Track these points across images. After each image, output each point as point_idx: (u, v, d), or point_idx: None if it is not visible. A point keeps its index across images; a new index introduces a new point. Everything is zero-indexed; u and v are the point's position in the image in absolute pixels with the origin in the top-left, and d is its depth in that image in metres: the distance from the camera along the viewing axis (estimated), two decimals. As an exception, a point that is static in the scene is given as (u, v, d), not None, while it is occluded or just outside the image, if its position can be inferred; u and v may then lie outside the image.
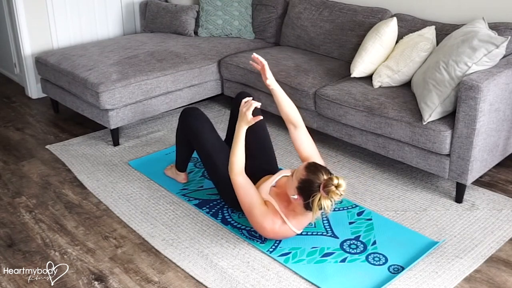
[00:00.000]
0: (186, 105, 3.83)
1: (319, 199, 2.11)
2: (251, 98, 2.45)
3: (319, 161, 2.42)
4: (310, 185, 2.13)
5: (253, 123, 2.37)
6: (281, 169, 2.96)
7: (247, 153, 2.69)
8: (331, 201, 2.11)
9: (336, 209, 2.65)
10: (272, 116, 3.58)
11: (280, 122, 3.58)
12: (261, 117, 2.39)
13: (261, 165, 2.60)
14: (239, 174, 2.33)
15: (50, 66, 3.61)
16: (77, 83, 3.37)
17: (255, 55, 2.52)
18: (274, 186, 2.41)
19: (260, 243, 2.41)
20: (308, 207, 2.18)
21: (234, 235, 2.48)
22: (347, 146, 3.36)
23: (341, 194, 2.10)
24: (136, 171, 3.07)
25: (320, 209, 2.13)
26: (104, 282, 2.21)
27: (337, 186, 2.08)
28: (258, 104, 2.36)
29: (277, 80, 3.37)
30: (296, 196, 2.19)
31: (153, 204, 2.74)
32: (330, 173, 2.16)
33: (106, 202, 2.77)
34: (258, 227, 2.32)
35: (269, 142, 2.72)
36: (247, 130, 2.69)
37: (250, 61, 2.64)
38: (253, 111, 2.37)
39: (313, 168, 2.17)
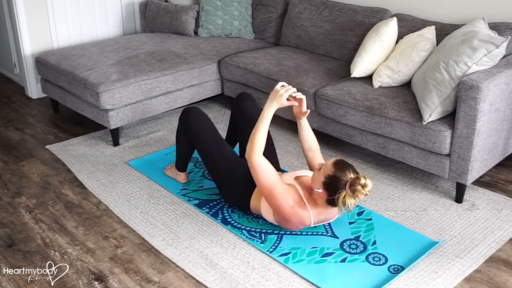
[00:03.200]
0: (186, 105, 3.83)
1: (344, 197, 2.15)
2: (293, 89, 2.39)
3: None
4: (337, 182, 2.17)
5: (286, 106, 2.36)
6: (282, 169, 2.97)
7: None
8: (355, 199, 2.16)
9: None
10: (273, 117, 3.57)
11: (281, 123, 3.58)
12: (296, 103, 2.37)
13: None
14: (260, 154, 2.31)
15: (50, 66, 3.61)
16: (77, 83, 3.37)
17: (297, 94, 2.41)
18: (296, 178, 2.43)
19: (260, 243, 2.41)
20: (331, 202, 2.22)
21: (234, 235, 2.48)
22: (347, 146, 3.36)
23: (367, 194, 2.14)
24: (136, 171, 3.07)
25: (344, 205, 2.17)
26: (104, 282, 2.21)
27: (363, 186, 2.12)
28: (295, 89, 2.36)
29: (277, 80, 3.39)
30: (320, 190, 2.22)
31: (153, 204, 2.74)
32: (357, 172, 2.20)
33: (106, 202, 2.77)
34: (277, 206, 2.29)
35: (271, 143, 2.72)
36: (249, 132, 2.69)
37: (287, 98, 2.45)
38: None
39: (341, 165, 2.20)
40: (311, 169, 2.58)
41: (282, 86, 2.39)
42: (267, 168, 2.30)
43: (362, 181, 2.13)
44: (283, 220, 2.34)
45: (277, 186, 2.27)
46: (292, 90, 2.36)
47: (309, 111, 2.51)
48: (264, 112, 2.37)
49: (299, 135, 2.58)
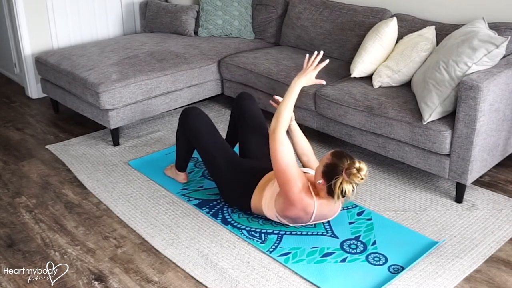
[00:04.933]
0: (186, 105, 3.83)
1: (341, 183, 2.18)
2: (321, 53, 2.43)
3: None
4: (334, 169, 2.20)
5: (313, 83, 2.41)
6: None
7: (249, 153, 2.70)
8: (352, 185, 2.19)
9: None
10: (272, 116, 3.57)
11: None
12: (324, 82, 2.42)
13: (262, 164, 2.59)
14: (285, 129, 2.34)
15: (50, 66, 3.61)
16: (77, 83, 3.37)
17: (277, 97, 2.60)
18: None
19: (260, 243, 2.41)
20: (330, 191, 2.23)
21: (234, 235, 2.48)
22: (347, 146, 3.36)
23: (362, 178, 2.17)
24: (136, 171, 3.07)
25: (342, 192, 2.19)
26: (104, 282, 2.21)
27: (358, 170, 2.16)
28: (325, 63, 2.40)
29: (277, 80, 3.39)
30: (321, 181, 2.25)
31: (153, 204, 2.74)
32: (354, 160, 2.23)
33: (106, 202, 2.77)
34: (287, 186, 2.28)
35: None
36: (249, 131, 2.71)
37: (270, 101, 2.69)
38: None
39: (338, 154, 2.25)
40: None
41: (314, 59, 2.41)
42: (287, 146, 2.31)
43: (357, 164, 2.16)
44: (287, 203, 2.32)
45: (292, 166, 2.28)
46: (321, 66, 2.40)
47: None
48: (291, 87, 2.38)
49: (292, 140, 2.57)
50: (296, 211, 2.33)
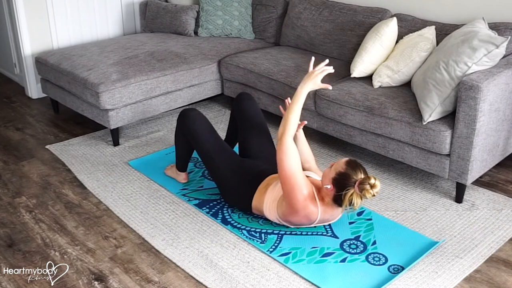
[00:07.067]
0: (186, 105, 3.84)
1: (351, 195, 2.17)
2: (327, 61, 2.43)
3: None
4: (347, 179, 2.19)
5: (319, 88, 2.41)
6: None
7: (248, 153, 2.70)
8: (361, 199, 2.18)
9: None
10: (272, 116, 3.58)
11: (280, 122, 3.58)
12: (330, 87, 2.42)
13: (264, 166, 2.59)
14: (292, 136, 2.33)
15: (50, 66, 3.61)
16: (77, 83, 3.37)
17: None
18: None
19: (260, 243, 2.41)
20: (337, 199, 2.23)
21: (234, 235, 2.48)
22: (347, 146, 3.36)
23: (374, 195, 2.16)
24: (136, 171, 3.07)
25: (350, 204, 2.19)
26: (104, 282, 2.21)
27: (372, 186, 2.15)
28: (331, 70, 2.39)
29: (277, 80, 3.39)
30: (329, 186, 2.23)
31: (153, 204, 2.74)
32: (367, 173, 2.22)
33: (106, 202, 2.77)
34: (292, 194, 2.26)
35: (272, 143, 2.73)
36: (249, 131, 2.70)
37: (280, 106, 2.71)
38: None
39: (353, 164, 2.23)
40: None
41: (319, 67, 2.40)
42: (294, 153, 2.30)
43: (372, 181, 2.15)
44: (291, 210, 2.31)
45: (299, 174, 2.27)
46: (328, 71, 2.39)
47: (305, 122, 2.62)
48: (297, 93, 2.38)
49: (297, 148, 2.56)
50: (299, 218, 2.34)
